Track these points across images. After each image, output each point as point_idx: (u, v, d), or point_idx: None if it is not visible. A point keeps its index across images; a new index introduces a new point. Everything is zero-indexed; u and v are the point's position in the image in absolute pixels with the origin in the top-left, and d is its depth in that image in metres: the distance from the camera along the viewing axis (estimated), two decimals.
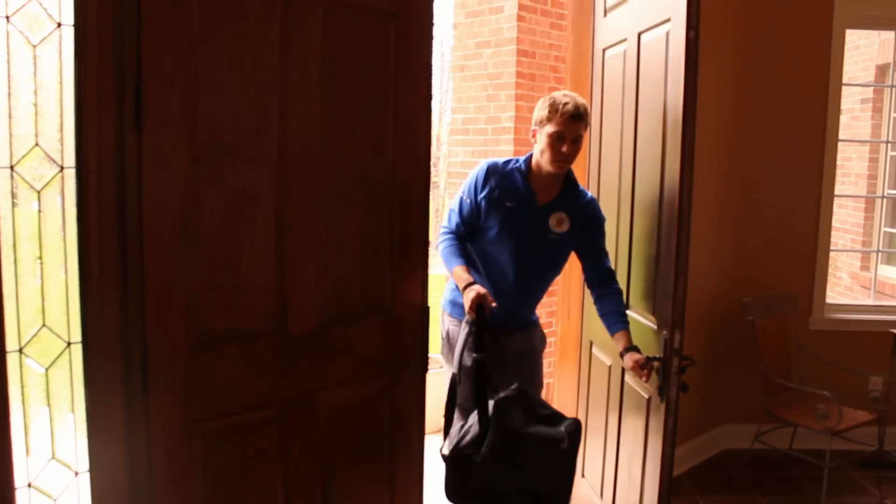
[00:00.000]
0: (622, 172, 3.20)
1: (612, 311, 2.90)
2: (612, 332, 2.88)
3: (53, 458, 1.91)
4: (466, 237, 2.94)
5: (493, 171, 2.90)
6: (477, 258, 2.94)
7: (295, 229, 2.21)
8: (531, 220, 2.85)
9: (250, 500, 2.21)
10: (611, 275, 2.99)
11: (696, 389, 3.93)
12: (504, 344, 2.90)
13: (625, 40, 3.12)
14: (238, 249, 2.11)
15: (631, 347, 2.81)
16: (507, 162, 2.92)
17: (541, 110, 2.81)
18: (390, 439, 2.52)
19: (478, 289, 2.71)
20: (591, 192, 3.08)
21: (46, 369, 1.87)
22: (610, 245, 3.14)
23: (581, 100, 2.78)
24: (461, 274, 2.82)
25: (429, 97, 2.49)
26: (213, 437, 2.11)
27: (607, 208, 3.17)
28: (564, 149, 2.75)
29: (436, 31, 2.51)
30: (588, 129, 2.82)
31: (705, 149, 3.70)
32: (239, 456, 2.17)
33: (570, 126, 2.73)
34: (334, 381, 2.34)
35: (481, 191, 2.88)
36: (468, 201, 2.91)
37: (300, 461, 2.30)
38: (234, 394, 2.14)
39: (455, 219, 2.97)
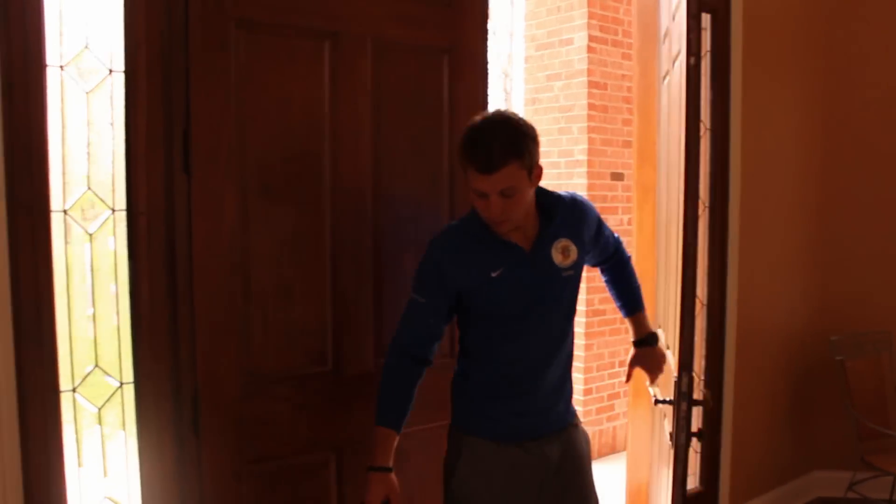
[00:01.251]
0: (669, 209, 3.05)
1: (624, 291, 2.36)
2: (625, 316, 2.39)
3: (107, 498, 1.92)
4: (430, 353, 2.06)
5: (442, 246, 2.00)
6: (468, 344, 2.10)
7: (347, 269, 2.20)
8: (532, 273, 1.97)
9: None
10: (619, 245, 2.34)
11: (782, 433, 3.73)
12: (533, 461, 2.06)
13: (668, 71, 3.02)
14: (289, 290, 2.10)
15: (642, 340, 2.33)
16: (452, 228, 2.05)
17: (461, 159, 1.88)
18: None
19: (387, 484, 1.98)
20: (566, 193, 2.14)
21: (99, 409, 1.90)
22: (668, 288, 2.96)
23: (506, 130, 1.83)
24: (380, 443, 1.98)
25: None
26: (265, 479, 2.09)
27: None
28: (492, 208, 1.85)
29: (500, 65, 2.49)
30: (528, 162, 1.85)
31: (779, 170, 3.55)
32: (292, 499, 2.14)
33: (489, 180, 1.81)
34: None
35: (439, 281, 1.99)
36: (423, 302, 2.00)
37: None
38: (286, 435, 2.12)
39: (409, 331, 2.03)
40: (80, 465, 1.89)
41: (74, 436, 1.87)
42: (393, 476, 1.99)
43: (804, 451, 3.90)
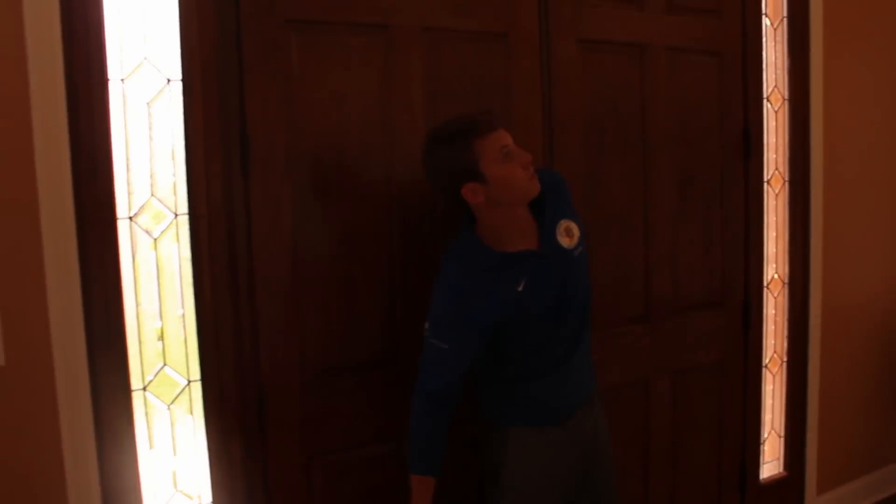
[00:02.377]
0: None
1: None
2: None
3: (176, 489, 2.01)
4: (458, 393, 1.96)
5: (461, 289, 1.89)
6: (490, 369, 2.06)
7: (409, 262, 2.21)
8: (552, 269, 1.91)
9: None
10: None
11: (876, 417, 3.56)
12: (572, 439, 2.06)
13: None
14: (350, 284, 2.13)
15: None
16: (459, 267, 1.91)
17: (451, 157, 1.83)
18: None
19: None
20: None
21: (169, 406, 1.97)
22: None
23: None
24: (420, 491, 1.93)
25: (545, 118, 2.42)
26: (331, 470, 2.14)
27: None
28: (525, 155, 1.84)
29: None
30: None
31: (868, 143, 3.36)
32: (359, 491, 2.19)
33: (503, 134, 1.84)
34: (457, 413, 2.30)
35: (467, 326, 1.88)
36: (446, 348, 1.89)
37: None
38: (350, 428, 2.16)
39: (436, 376, 1.92)
40: (152, 458, 1.97)
41: (147, 433, 1.95)
42: None
43: None
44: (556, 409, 2.04)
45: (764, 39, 3.02)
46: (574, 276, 1.95)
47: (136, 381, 1.91)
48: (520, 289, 1.87)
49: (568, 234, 1.94)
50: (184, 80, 1.89)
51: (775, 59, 3.09)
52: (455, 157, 1.80)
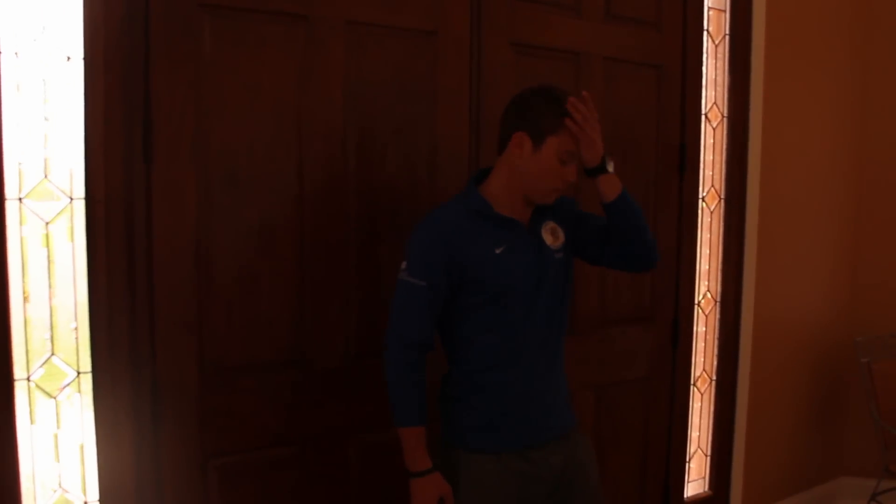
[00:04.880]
0: None
1: None
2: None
3: (60, 488, 1.91)
4: (432, 339, 1.91)
5: (439, 224, 1.88)
6: (459, 350, 1.94)
7: (318, 260, 2.14)
8: (532, 253, 1.90)
9: None
10: None
11: (805, 437, 3.57)
12: (537, 471, 1.93)
13: None
14: (255, 281, 2.06)
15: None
16: (447, 207, 1.92)
17: (540, 109, 1.83)
18: None
19: (440, 486, 1.87)
20: None
21: (55, 398, 1.88)
22: None
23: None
24: (415, 445, 1.87)
25: (472, 120, 2.37)
26: (229, 472, 2.06)
27: None
28: (573, 173, 1.87)
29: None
30: None
31: (805, 163, 3.37)
32: (258, 495, 2.11)
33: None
34: (363, 420, 2.24)
35: (440, 259, 1.84)
36: (423, 285, 1.84)
37: (323, 502, 2.21)
38: (252, 429, 2.09)
39: (409, 319, 1.88)
40: (34, 455, 1.87)
41: (29, 427, 1.85)
42: (439, 475, 1.87)
43: (829, 457, 3.72)
44: (519, 434, 1.90)
45: (705, 56, 3.02)
46: (550, 275, 1.91)
47: (19, 371, 1.81)
48: (497, 251, 1.86)
49: (553, 234, 1.95)
50: (85, 59, 1.81)
51: (716, 75, 3.09)
52: (544, 111, 1.82)
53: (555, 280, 1.93)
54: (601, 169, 1.86)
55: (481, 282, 1.85)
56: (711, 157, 3.11)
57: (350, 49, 2.14)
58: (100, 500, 1.91)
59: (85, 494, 1.95)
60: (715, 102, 3.08)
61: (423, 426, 1.87)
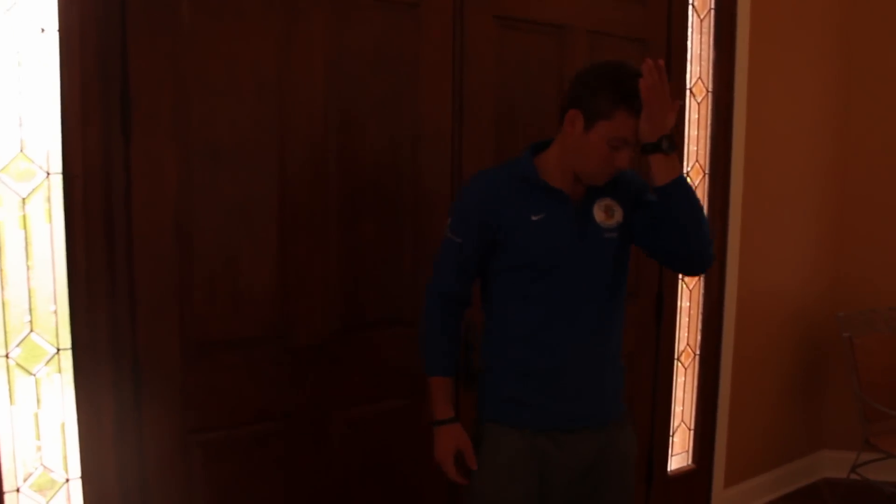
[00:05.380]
0: None
1: None
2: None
3: (41, 465, 1.90)
4: (467, 295, 1.94)
5: (482, 183, 1.87)
6: (495, 318, 1.91)
7: (300, 236, 2.13)
8: (572, 226, 1.80)
9: None
10: None
11: (787, 410, 3.60)
12: (564, 457, 1.85)
13: None
14: (237, 256, 2.04)
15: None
16: (494, 170, 1.91)
17: (596, 92, 1.70)
18: (411, 463, 2.38)
19: (457, 437, 1.89)
20: None
21: (35, 376, 1.86)
22: None
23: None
24: (438, 394, 1.91)
25: (455, 95, 2.35)
26: (212, 448, 2.06)
27: None
28: (626, 159, 1.74)
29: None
30: None
31: (790, 138, 3.37)
32: (241, 470, 2.11)
33: (636, 124, 1.70)
34: (346, 395, 2.24)
35: (476, 218, 1.84)
36: (459, 242, 1.86)
37: (309, 479, 2.21)
38: (234, 405, 2.08)
39: (446, 272, 1.92)
40: (14, 431, 1.86)
41: (9, 403, 1.84)
42: (458, 426, 1.90)
43: (812, 430, 3.76)
44: (547, 414, 1.83)
45: (690, 30, 3.00)
46: (593, 252, 1.81)
47: None
48: (534, 218, 1.79)
49: (606, 212, 1.83)
50: (60, 31, 1.77)
51: (700, 50, 3.08)
52: (600, 93, 1.69)
53: (598, 260, 1.82)
54: (656, 147, 1.67)
55: (512, 246, 1.81)
56: (696, 133, 3.10)
57: (331, 21, 2.11)
58: (81, 478, 1.90)
59: (67, 472, 1.93)
60: (700, 77, 3.07)
61: (447, 377, 1.91)
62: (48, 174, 1.85)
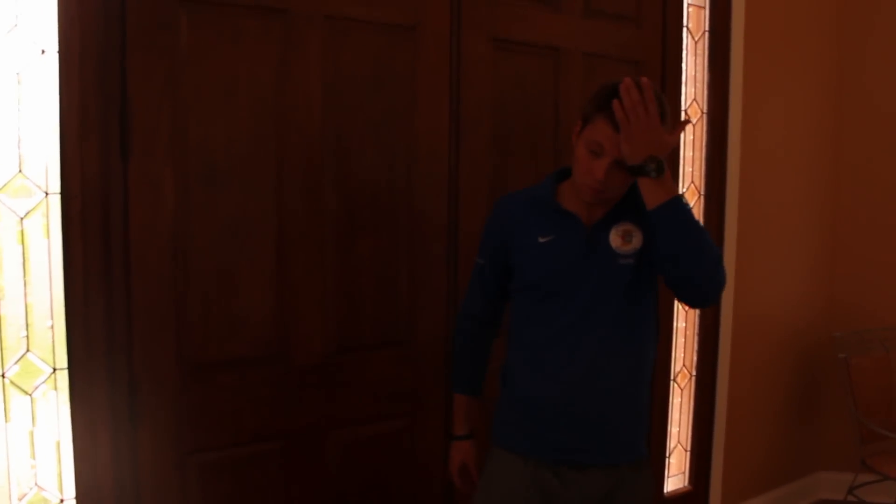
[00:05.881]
0: None
1: None
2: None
3: (36, 485, 1.89)
4: (494, 317, 2.00)
5: (501, 207, 1.90)
6: (509, 340, 1.89)
7: (297, 256, 2.13)
8: (580, 249, 1.74)
9: None
10: None
11: (783, 431, 3.59)
12: (568, 495, 1.77)
13: None
14: (233, 277, 2.05)
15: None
16: (520, 191, 1.91)
17: (590, 99, 1.70)
18: (408, 485, 2.37)
19: (464, 452, 2.01)
20: None
21: (31, 395, 1.86)
22: None
23: (654, 92, 1.58)
24: (456, 410, 2.03)
25: (452, 116, 2.37)
26: (207, 469, 2.05)
27: None
28: (596, 170, 1.65)
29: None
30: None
31: (785, 159, 3.39)
32: (238, 490, 2.10)
33: (615, 137, 1.61)
34: (343, 416, 2.24)
35: (494, 241, 1.88)
36: (482, 264, 1.92)
37: (306, 500, 2.20)
38: (231, 425, 2.08)
39: (472, 293, 2.00)
40: (8, 453, 1.85)
41: (4, 423, 1.83)
42: (469, 443, 2.00)
43: (808, 452, 3.75)
44: (551, 444, 1.76)
45: (685, 52, 3.03)
46: (604, 279, 1.72)
47: None
48: (542, 240, 1.77)
49: (624, 237, 1.73)
50: (60, 52, 1.79)
51: (695, 72, 3.10)
52: (592, 97, 1.68)
53: (606, 287, 1.72)
54: (641, 169, 1.58)
55: (520, 268, 1.82)
56: (691, 154, 3.12)
57: (329, 44, 2.13)
58: (76, 499, 1.89)
59: (61, 492, 1.93)
60: (695, 99, 3.09)
61: (467, 395, 2.01)
62: (46, 194, 1.85)
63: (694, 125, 3.11)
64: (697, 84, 3.10)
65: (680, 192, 3.00)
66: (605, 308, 1.73)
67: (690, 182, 3.12)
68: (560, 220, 1.77)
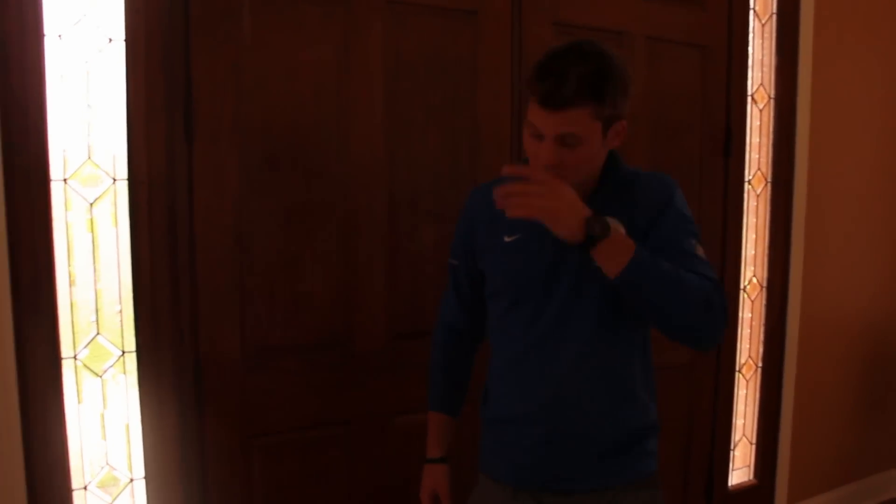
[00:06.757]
0: None
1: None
2: None
3: (107, 464, 1.94)
4: (472, 326, 1.76)
5: (470, 199, 1.70)
6: (492, 345, 1.66)
7: (359, 242, 2.14)
8: (551, 252, 1.50)
9: None
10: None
11: (856, 426, 3.48)
12: None
13: None
14: (297, 262, 2.06)
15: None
16: (494, 181, 1.55)
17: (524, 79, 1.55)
18: (470, 472, 2.35)
19: (435, 478, 1.76)
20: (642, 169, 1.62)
21: (101, 377, 1.90)
22: None
23: (591, 62, 1.37)
24: (430, 430, 1.80)
25: (514, 102, 2.34)
26: (271, 452, 2.08)
27: None
28: (541, 155, 1.41)
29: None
30: (608, 111, 1.39)
31: (857, 145, 3.28)
32: (300, 474, 2.12)
33: (549, 119, 1.38)
34: (405, 402, 2.23)
35: (464, 239, 1.67)
36: (455, 264, 1.71)
37: (367, 486, 2.21)
38: (293, 410, 2.10)
39: (448, 299, 1.78)
40: (81, 431, 1.90)
41: (77, 404, 1.88)
42: (441, 468, 1.75)
43: (880, 449, 3.63)
44: (532, 468, 1.56)
45: (751, 35, 2.95)
46: (578, 281, 1.49)
47: (66, 350, 1.84)
48: (507, 239, 1.55)
49: None
50: (126, 40, 1.82)
51: (762, 56, 3.01)
52: (525, 86, 1.46)
53: (581, 294, 1.49)
54: (589, 242, 1.35)
55: (486, 270, 1.62)
56: (758, 140, 3.03)
57: (389, 29, 2.13)
58: (145, 478, 1.93)
59: (131, 472, 1.97)
60: (762, 83, 3.00)
61: (442, 414, 1.77)
62: (114, 180, 1.89)
63: (761, 110, 3.02)
64: (765, 68, 3.01)
65: (745, 178, 2.94)
66: (581, 320, 1.50)
67: (757, 169, 3.04)
68: None
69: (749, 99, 2.96)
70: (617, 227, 1.38)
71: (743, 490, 3.12)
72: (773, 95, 3.01)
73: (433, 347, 1.81)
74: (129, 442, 1.96)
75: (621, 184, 1.53)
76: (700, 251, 1.49)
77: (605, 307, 1.49)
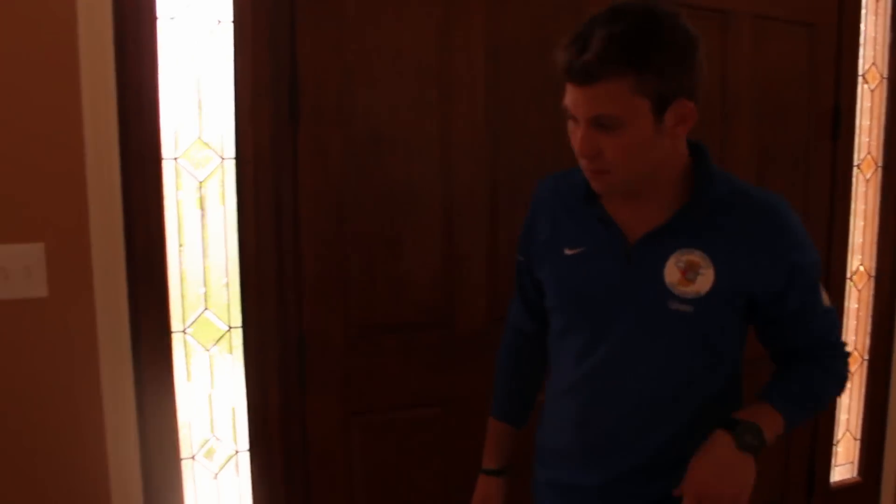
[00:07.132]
0: None
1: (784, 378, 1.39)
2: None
3: (213, 434, 2.00)
4: (541, 331, 1.52)
5: (536, 192, 1.50)
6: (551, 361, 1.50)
7: (461, 223, 2.13)
8: (623, 276, 1.30)
9: (408, 496, 2.16)
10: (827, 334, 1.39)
11: None
12: None
13: None
14: (399, 242, 2.07)
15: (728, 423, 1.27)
16: (561, 173, 1.46)
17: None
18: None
19: (489, 491, 1.60)
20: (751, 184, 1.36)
21: (208, 351, 1.96)
22: None
23: (632, 23, 1.16)
24: (489, 439, 1.63)
25: None
26: (371, 430, 2.10)
27: None
28: (578, 143, 1.23)
29: None
30: (657, 85, 1.17)
31: None
32: (399, 453, 2.13)
33: (581, 94, 1.19)
34: None
35: (526, 237, 1.49)
36: (522, 260, 1.52)
37: (464, 466, 2.19)
38: (393, 389, 2.11)
39: (516, 300, 1.61)
40: (190, 402, 1.97)
41: (185, 375, 1.94)
42: (496, 481, 1.59)
43: None
44: (568, 498, 1.43)
45: (863, 11, 2.81)
46: (646, 321, 1.29)
47: (176, 323, 1.90)
48: (568, 252, 1.34)
49: (684, 272, 1.25)
50: (234, 21, 1.86)
51: (875, 33, 2.87)
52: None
53: (649, 333, 1.29)
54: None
55: (543, 279, 1.43)
56: (868, 122, 2.90)
57: (491, 9, 2.11)
58: (249, 450, 1.98)
59: (236, 444, 2.03)
60: (874, 62, 2.87)
61: (503, 423, 1.60)
62: (222, 159, 1.93)
63: (873, 91, 2.88)
64: (878, 46, 2.87)
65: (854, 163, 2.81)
66: (650, 362, 1.30)
67: (867, 153, 2.90)
68: (595, 225, 1.32)
69: (860, 79, 2.82)
70: (765, 422, 1.28)
71: (846, 487, 3.00)
72: (885, 75, 2.87)
73: (501, 349, 1.65)
74: (234, 415, 2.01)
75: (721, 205, 1.27)
76: (825, 298, 1.35)
77: (673, 357, 1.30)
